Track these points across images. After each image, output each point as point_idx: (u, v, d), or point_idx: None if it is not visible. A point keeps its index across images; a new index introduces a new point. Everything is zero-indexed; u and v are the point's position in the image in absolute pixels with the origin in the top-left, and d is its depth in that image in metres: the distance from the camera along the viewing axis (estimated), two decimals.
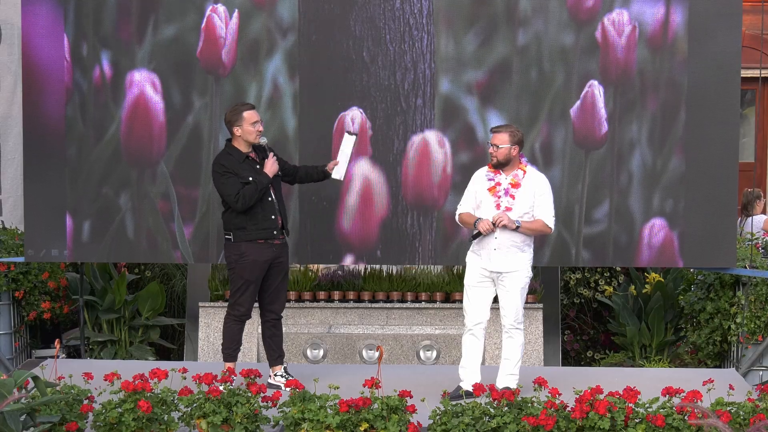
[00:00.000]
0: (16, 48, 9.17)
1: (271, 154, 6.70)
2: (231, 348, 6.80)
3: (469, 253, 6.68)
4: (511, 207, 6.49)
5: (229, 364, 6.74)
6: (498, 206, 6.50)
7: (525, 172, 6.59)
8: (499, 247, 6.50)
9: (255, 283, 6.69)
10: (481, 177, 6.64)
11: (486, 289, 6.60)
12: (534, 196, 6.54)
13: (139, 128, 7.71)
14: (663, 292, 8.92)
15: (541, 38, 7.57)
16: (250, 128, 6.60)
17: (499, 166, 6.54)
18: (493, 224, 6.44)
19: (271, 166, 6.65)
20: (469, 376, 6.61)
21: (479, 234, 6.51)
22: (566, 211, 7.58)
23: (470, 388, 6.16)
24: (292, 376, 6.76)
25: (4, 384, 5.23)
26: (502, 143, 6.48)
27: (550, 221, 6.59)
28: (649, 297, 9.03)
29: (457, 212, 6.72)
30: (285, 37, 7.67)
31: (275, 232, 6.67)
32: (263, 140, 6.71)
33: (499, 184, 6.54)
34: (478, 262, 6.59)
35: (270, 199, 6.67)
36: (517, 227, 6.46)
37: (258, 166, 6.64)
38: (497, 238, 6.49)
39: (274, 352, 6.89)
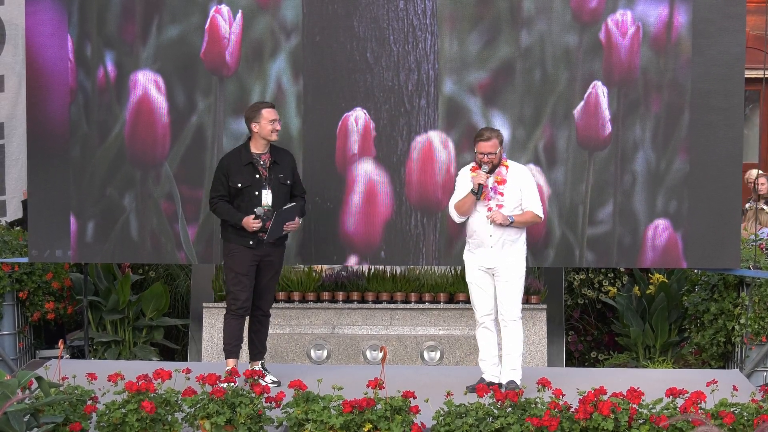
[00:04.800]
0: (20, 49, 9.19)
1: (261, 224, 6.73)
2: (231, 344, 6.86)
3: (465, 251, 6.81)
4: (502, 204, 6.61)
5: (231, 360, 6.79)
6: (489, 208, 6.60)
7: (507, 167, 6.68)
8: (494, 244, 6.61)
9: (247, 276, 6.79)
10: (467, 176, 6.71)
11: (488, 281, 6.71)
12: (520, 190, 6.64)
13: (143, 129, 7.71)
14: (667, 292, 8.91)
15: (545, 39, 7.57)
16: (267, 125, 6.73)
17: (494, 169, 6.59)
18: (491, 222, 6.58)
19: (249, 224, 6.71)
20: (489, 368, 6.74)
21: (480, 187, 6.55)
22: (570, 212, 7.57)
23: (493, 380, 6.48)
24: (270, 372, 6.89)
25: (8, 384, 5.23)
26: (494, 149, 6.57)
27: (539, 210, 6.72)
28: (652, 298, 9.02)
29: (450, 205, 6.76)
30: (289, 37, 7.66)
31: (259, 234, 6.75)
32: (259, 210, 6.75)
33: (486, 185, 6.58)
34: (474, 260, 6.71)
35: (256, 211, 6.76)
36: (511, 222, 6.58)
37: (257, 176, 6.74)
38: (492, 236, 6.61)
39: (256, 347, 7.02)
